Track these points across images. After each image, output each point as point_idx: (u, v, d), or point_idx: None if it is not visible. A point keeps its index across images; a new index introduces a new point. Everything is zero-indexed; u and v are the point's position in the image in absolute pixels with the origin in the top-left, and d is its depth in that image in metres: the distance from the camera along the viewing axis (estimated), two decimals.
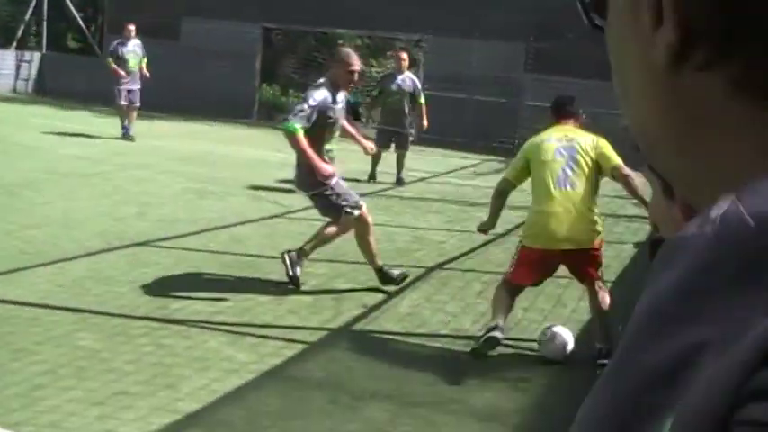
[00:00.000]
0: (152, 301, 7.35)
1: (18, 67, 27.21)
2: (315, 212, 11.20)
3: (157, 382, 5.68)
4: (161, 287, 7.74)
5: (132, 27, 18.33)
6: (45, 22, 27.80)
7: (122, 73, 17.69)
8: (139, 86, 18.01)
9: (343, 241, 8.33)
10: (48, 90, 26.14)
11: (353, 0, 22.32)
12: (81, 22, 28.32)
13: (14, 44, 27.54)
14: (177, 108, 22.35)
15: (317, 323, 7.11)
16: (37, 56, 27.69)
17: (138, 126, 18.27)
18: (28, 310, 6.98)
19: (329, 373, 6.14)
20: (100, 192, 12.06)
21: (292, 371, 6.12)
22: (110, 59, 18.21)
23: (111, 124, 18.39)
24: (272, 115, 23.53)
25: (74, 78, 25.60)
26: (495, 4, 20.01)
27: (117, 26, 25.75)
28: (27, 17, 27.99)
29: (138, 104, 18.06)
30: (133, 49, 18.16)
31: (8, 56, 27.03)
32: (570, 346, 6.42)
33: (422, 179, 15.22)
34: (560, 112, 6.95)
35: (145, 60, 18.23)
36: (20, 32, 27.77)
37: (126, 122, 17.80)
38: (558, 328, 6.52)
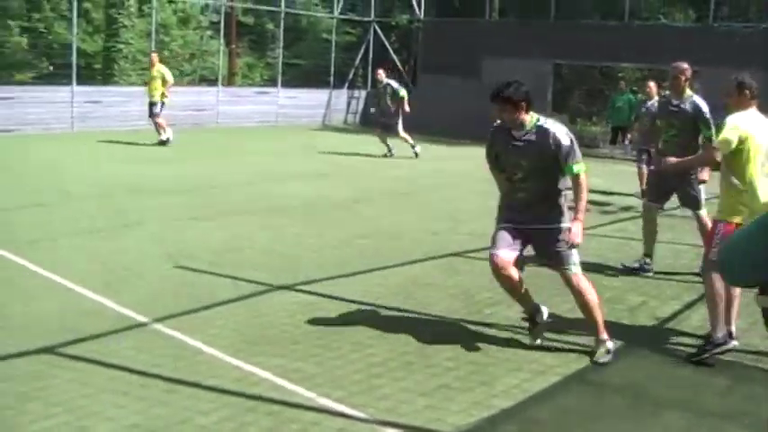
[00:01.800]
0: (467, 306, 7.25)
1: (348, 104, 28.35)
2: (604, 229, 10.89)
3: (474, 379, 5.55)
4: (474, 294, 7.64)
5: (381, 71, 19.53)
6: (370, 66, 28.78)
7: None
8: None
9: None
10: (371, 121, 26.98)
11: (633, 37, 21.72)
12: (398, 64, 29.06)
13: (346, 85, 28.68)
14: (476, 136, 22.39)
15: (613, 333, 6.75)
16: (363, 93, 28.73)
17: (445, 152, 18.47)
18: (364, 309, 7.08)
19: (627, 380, 5.80)
20: (417, 208, 12.21)
21: (593, 376, 5.82)
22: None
23: (423, 149, 18.71)
24: None
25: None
26: None
27: (427, 67, 26.40)
28: (356, 62, 29.07)
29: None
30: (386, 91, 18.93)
31: (342, 94, 28.16)
32: None
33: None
34: None
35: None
36: (351, 75, 28.92)
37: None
38: None
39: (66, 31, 23.49)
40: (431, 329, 6.58)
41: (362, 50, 29.15)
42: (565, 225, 6.00)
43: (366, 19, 29.20)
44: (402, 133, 18.71)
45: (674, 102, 8.71)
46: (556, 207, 6.07)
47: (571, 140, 5.92)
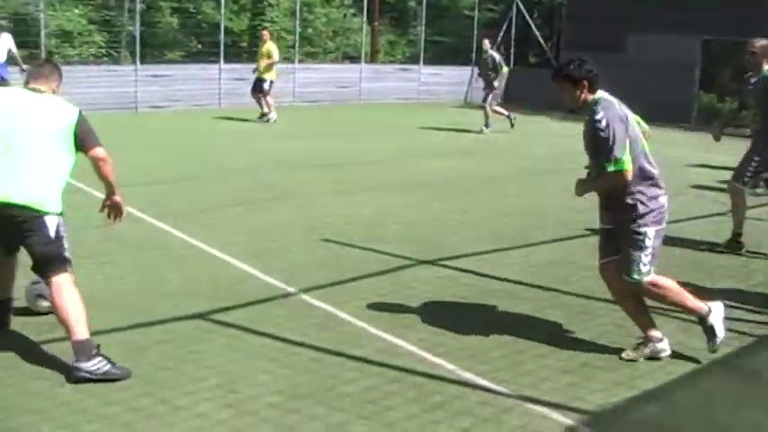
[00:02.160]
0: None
1: None
2: (755, 211, 10.50)
3: (617, 359, 5.49)
4: None
5: (487, 41, 19.47)
6: (512, 43, 28.51)
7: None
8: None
9: None
10: (514, 99, 26.77)
11: None
12: (541, 41, 28.70)
13: None
14: None
15: (764, 318, 6.55)
16: (506, 71, 28.43)
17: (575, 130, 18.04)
18: (506, 285, 7.08)
19: None
20: (559, 186, 12.06)
21: (739, 361, 5.66)
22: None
23: (564, 128, 18.43)
24: (709, 120, 22.43)
25: (534, 88, 26.01)
26: None
27: (570, 44, 25.95)
28: (498, 39, 28.80)
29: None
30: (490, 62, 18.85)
31: None
32: None
33: None
34: None
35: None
36: None
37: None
38: None
39: (215, 11, 24.15)
40: (574, 308, 6.54)
41: (504, 27, 28.86)
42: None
43: None
44: (489, 107, 18.66)
45: (752, 80, 8.31)
46: (622, 206, 5.38)
47: (608, 133, 5.18)
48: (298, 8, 24.62)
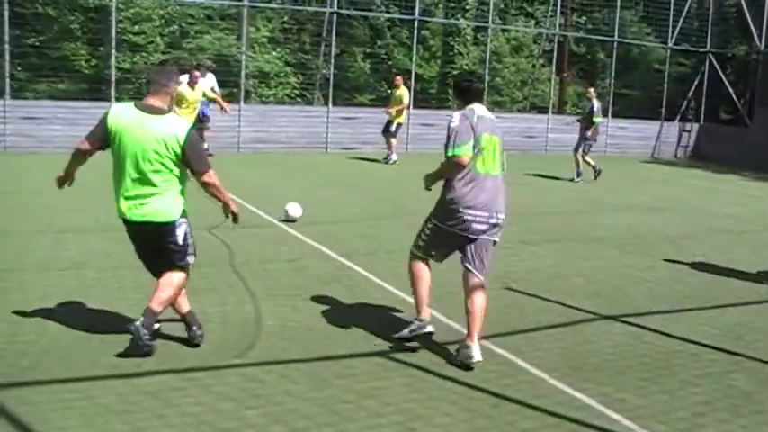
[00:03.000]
0: None
1: (679, 137, 27.53)
2: None
3: None
4: None
5: (592, 89, 19.12)
6: (704, 98, 27.80)
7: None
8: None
9: None
10: (702, 155, 26.05)
11: None
12: (734, 97, 27.84)
13: (678, 117, 27.87)
14: None
15: None
16: (695, 126, 27.79)
17: None
18: (691, 346, 6.91)
19: None
20: (747, 248, 11.66)
21: None
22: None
23: (759, 188, 17.78)
24: None
25: (725, 146, 25.25)
26: None
27: (765, 101, 25.04)
28: (689, 94, 28.18)
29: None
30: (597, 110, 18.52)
31: (673, 127, 27.41)
32: None
33: None
34: None
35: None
36: (683, 107, 28.07)
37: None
38: None
39: (406, 58, 24.74)
40: (760, 375, 6.32)
41: (696, 82, 28.18)
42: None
43: (701, 50, 28.19)
44: (578, 155, 18.56)
45: None
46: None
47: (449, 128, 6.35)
48: (487, 57, 24.91)
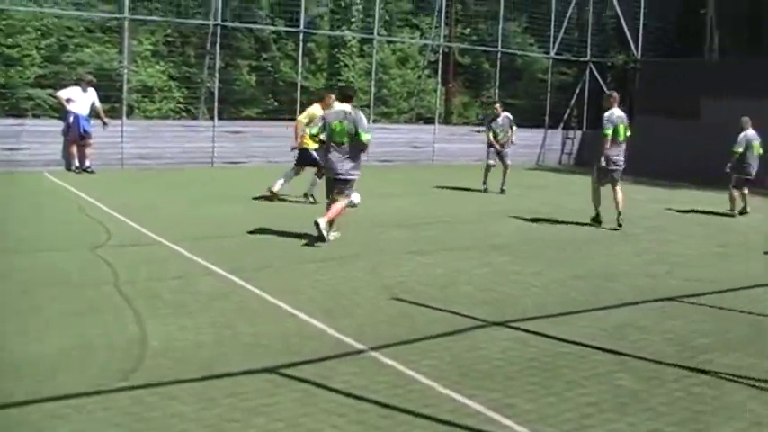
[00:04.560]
0: (682, 351, 7.08)
1: (563, 144, 28.23)
2: None
3: (689, 426, 5.43)
4: (690, 339, 7.44)
5: (499, 105, 19.91)
6: (585, 107, 28.57)
7: (496, 144, 19.19)
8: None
9: None
10: (585, 162, 26.73)
11: None
12: None
13: (561, 125, 28.59)
14: (696, 178, 21.89)
15: None
16: (578, 134, 28.53)
17: (663, 194, 18.20)
18: (578, 349, 7.04)
19: None
20: (633, 250, 12.00)
21: None
22: (489, 133, 19.41)
23: (638, 192, 18.30)
24: None
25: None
26: None
27: (644, 108, 25.90)
28: (571, 102, 28.95)
29: (508, 164, 19.38)
30: (502, 123, 19.27)
31: (556, 135, 28.08)
32: None
33: None
34: None
35: (515, 128, 19.69)
36: (566, 115, 28.83)
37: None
38: None
39: (292, 70, 24.68)
40: (645, 373, 6.49)
41: (578, 91, 28.98)
42: None
43: (582, 59, 29.03)
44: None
45: None
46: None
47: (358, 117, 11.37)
48: (373, 69, 25.05)
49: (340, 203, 11.39)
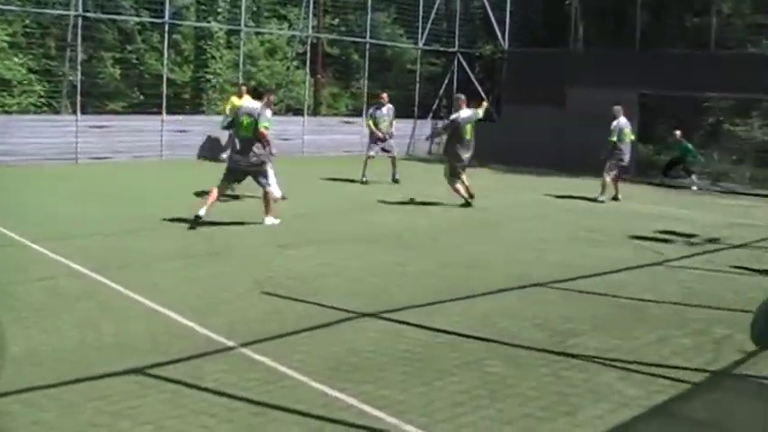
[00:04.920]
0: (551, 336, 7.24)
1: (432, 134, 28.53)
2: (689, 261, 10.78)
3: (557, 409, 5.55)
4: (558, 324, 7.63)
5: (385, 95, 20.06)
6: (454, 97, 28.95)
7: (378, 132, 19.38)
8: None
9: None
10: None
11: (719, 66, 21.51)
12: (482, 94, 29.14)
13: (430, 115, 28.90)
14: (563, 165, 22.45)
15: (698, 365, 6.68)
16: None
17: (524, 181, 18.68)
18: (448, 337, 7.11)
19: (712, 415, 5.74)
20: (502, 238, 12.21)
21: (678, 409, 5.76)
22: (369, 120, 19.82)
23: (511, 180, 18.61)
24: (647, 171, 22.97)
25: (475, 141, 26.32)
26: None
27: (511, 97, 26.43)
28: (440, 93, 29.29)
29: (394, 154, 19.64)
30: (387, 113, 19.62)
31: (426, 125, 28.33)
32: None
33: None
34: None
35: (394, 122, 19.92)
36: (435, 105, 29.15)
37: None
38: None
39: (157, 63, 24.15)
40: (515, 359, 6.60)
41: (446, 81, 29.34)
42: None
43: (450, 50, 29.40)
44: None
45: None
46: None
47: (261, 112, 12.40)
48: (241, 60, 24.75)
49: (215, 192, 12.35)
